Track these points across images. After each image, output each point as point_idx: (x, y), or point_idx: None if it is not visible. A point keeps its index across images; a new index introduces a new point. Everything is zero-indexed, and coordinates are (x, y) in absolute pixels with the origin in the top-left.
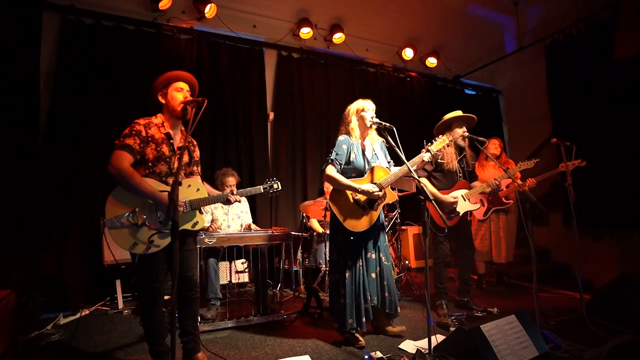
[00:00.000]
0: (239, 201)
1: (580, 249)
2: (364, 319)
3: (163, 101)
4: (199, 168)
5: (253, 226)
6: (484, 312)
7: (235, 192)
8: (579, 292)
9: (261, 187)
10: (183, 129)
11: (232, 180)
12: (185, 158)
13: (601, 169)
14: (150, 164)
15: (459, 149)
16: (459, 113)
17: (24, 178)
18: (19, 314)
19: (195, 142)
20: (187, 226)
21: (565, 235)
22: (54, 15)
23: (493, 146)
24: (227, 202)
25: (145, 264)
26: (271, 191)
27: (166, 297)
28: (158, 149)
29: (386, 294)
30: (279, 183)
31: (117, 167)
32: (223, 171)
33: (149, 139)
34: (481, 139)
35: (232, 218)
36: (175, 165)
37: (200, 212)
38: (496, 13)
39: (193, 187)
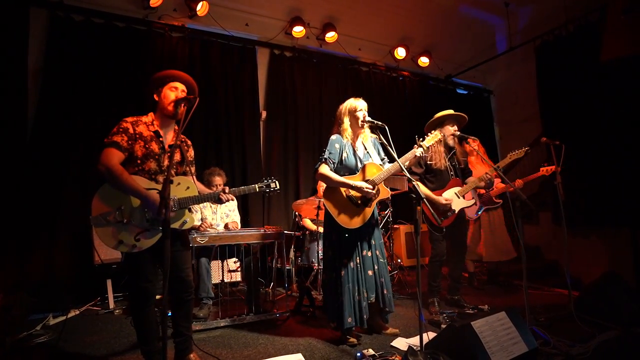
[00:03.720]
0: (233, 200)
1: (569, 247)
2: (365, 316)
3: (157, 99)
4: (193, 168)
5: (231, 225)
6: (475, 310)
7: (227, 191)
8: (567, 289)
9: (256, 185)
10: (177, 127)
11: (218, 180)
12: (177, 157)
13: (590, 168)
14: (139, 162)
15: (448, 148)
16: (450, 112)
17: (11, 176)
18: (6, 315)
19: (189, 142)
20: (176, 225)
21: (555, 234)
22: (42, 11)
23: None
24: (219, 201)
25: (133, 263)
26: (268, 190)
27: (158, 297)
28: (147, 146)
29: (385, 292)
30: (276, 182)
31: (106, 164)
32: (210, 170)
33: (137, 136)
34: (471, 137)
35: (220, 217)
36: (166, 163)
37: (190, 211)
38: (487, 13)
39: (182, 185)
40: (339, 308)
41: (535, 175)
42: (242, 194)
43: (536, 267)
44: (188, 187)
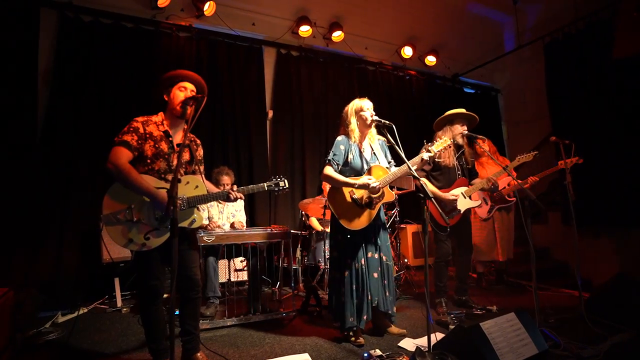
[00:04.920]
0: (242, 198)
1: (579, 248)
2: (364, 317)
3: (167, 99)
4: (202, 167)
5: (237, 225)
6: (483, 310)
7: (236, 189)
8: (577, 291)
9: (265, 184)
10: (186, 127)
11: (227, 179)
12: (186, 156)
13: (600, 168)
14: (148, 161)
15: (457, 147)
16: (462, 110)
17: (21, 175)
18: (17, 312)
19: (198, 142)
20: (184, 224)
21: (564, 234)
22: (52, 12)
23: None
24: (228, 199)
25: (142, 261)
26: (277, 189)
27: (165, 295)
28: (156, 145)
29: (387, 294)
30: (285, 181)
31: (114, 163)
32: (219, 169)
33: (147, 135)
34: (480, 137)
35: (226, 217)
36: (175, 162)
37: (198, 210)
38: (495, 11)
39: (191, 184)
40: (341, 308)
41: (552, 169)
42: (251, 193)
43: (545, 268)
44: (197, 186)
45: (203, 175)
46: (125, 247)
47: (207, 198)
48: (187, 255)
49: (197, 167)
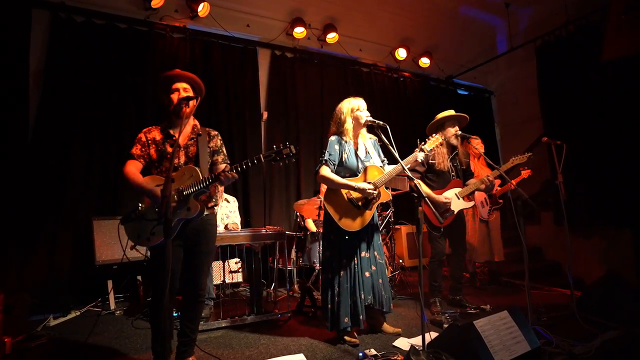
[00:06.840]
0: (237, 177)
1: (571, 247)
2: (361, 317)
3: (167, 102)
4: (220, 157)
5: (231, 226)
6: (477, 309)
7: (228, 169)
8: (569, 289)
9: (261, 155)
10: (195, 122)
11: None
12: (194, 150)
13: (592, 168)
14: (157, 164)
15: (451, 148)
16: (451, 112)
17: (13, 176)
18: (7, 316)
19: (213, 133)
20: (182, 215)
21: (556, 234)
22: (44, 12)
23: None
24: (220, 181)
25: (158, 258)
26: (279, 157)
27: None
28: (159, 148)
29: (383, 293)
30: (292, 148)
31: (123, 172)
32: None
33: (150, 141)
34: (473, 137)
35: (220, 218)
36: (182, 160)
37: (196, 199)
38: (488, 14)
39: (187, 175)
40: (336, 308)
41: (517, 179)
42: (245, 168)
43: (537, 268)
44: (192, 175)
45: (224, 164)
46: (136, 243)
47: (198, 184)
48: (199, 258)
49: (217, 157)
